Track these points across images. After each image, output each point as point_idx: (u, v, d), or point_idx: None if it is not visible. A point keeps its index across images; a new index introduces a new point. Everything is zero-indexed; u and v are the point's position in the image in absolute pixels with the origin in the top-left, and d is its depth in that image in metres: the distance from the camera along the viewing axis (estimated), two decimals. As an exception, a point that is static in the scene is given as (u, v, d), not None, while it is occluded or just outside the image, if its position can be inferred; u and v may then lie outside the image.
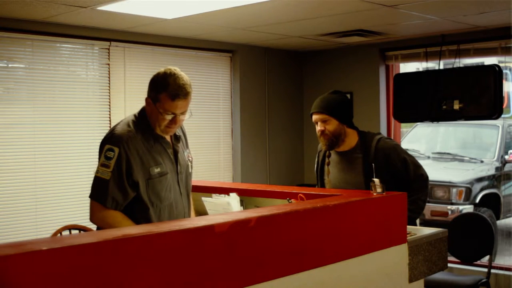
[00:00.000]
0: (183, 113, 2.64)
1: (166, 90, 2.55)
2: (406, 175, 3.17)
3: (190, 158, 2.87)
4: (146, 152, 2.58)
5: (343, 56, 5.96)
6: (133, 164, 2.53)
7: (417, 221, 3.45)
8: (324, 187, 3.39)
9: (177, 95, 2.56)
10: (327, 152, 3.34)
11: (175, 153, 2.74)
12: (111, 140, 2.55)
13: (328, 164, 3.35)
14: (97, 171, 2.54)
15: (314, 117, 3.25)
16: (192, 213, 3.03)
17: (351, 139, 3.26)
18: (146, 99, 2.62)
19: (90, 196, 2.56)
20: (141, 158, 2.56)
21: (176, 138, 2.79)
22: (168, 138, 2.72)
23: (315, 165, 3.49)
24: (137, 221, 2.56)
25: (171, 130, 2.65)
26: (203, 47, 5.45)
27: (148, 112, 2.64)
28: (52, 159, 4.48)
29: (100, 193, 2.51)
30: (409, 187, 3.12)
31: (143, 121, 2.64)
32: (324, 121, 3.20)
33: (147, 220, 2.59)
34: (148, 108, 2.63)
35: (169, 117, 2.58)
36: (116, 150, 2.50)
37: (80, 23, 4.46)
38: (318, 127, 3.23)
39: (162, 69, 2.63)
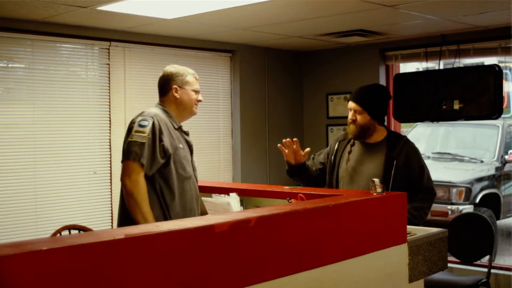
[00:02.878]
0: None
1: (189, 73, 3.09)
2: (419, 183, 3.26)
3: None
4: (170, 130, 2.96)
5: (343, 56, 5.96)
6: (165, 134, 2.87)
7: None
8: (336, 175, 3.39)
9: (195, 75, 3.12)
10: (352, 141, 3.40)
11: (188, 142, 3.12)
12: (142, 115, 2.91)
13: (350, 152, 3.39)
14: (131, 137, 2.80)
15: (350, 104, 3.35)
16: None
17: (379, 135, 3.35)
18: (174, 88, 3.04)
19: (125, 158, 2.79)
20: (168, 132, 2.92)
21: (186, 133, 3.15)
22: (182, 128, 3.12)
23: (332, 152, 3.46)
24: (165, 192, 2.87)
25: (197, 106, 3.15)
26: (203, 47, 5.45)
27: (178, 99, 3.04)
28: (52, 159, 4.48)
29: (138, 153, 2.76)
30: (415, 195, 3.19)
31: (165, 110, 3.04)
32: (357, 112, 3.29)
33: (172, 190, 2.88)
34: (177, 95, 3.04)
35: (198, 93, 3.10)
36: (150, 120, 2.85)
37: (80, 23, 4.46)
38: (350, 116, 3.33)
39: (166, 69, 3.13)
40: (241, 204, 3.11)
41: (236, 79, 5.76)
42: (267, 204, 2.98)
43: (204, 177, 5.47)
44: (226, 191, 3.15)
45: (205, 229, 1.86)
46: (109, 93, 4.79)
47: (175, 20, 4.39)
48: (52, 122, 4.49)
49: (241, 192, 3.13)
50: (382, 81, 5.74)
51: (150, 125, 2.83)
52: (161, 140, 2.84)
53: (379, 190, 2.65)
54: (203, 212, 3.16)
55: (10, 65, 4.35)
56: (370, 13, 4.22)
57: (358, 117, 3.29)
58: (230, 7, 3.98)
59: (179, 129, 3.07)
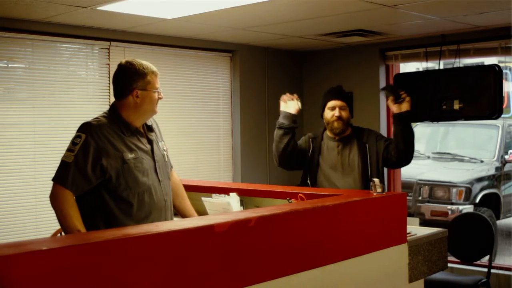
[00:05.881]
0: None
1: (149, 71, 2.75)
2: (385, 142, 3.59)
3: (165, 148, 2.93)
4: (119, 140, 2.68)
5: (343, 56, 5.96)
6: (103, 150, 2.61)
7: (417, 221, 3.45)
8: (316, 170, 3.63)
9: (156, 71, 2.79)
10: (323, 138, 3.70)
11: (150, 142, 2.82)
12: (80, 128, 2.68)
13: (327, 148, 3.67)
14: (63, 156, 2.63)
15: (334, 102, 3.65)
16: (193, 212, 3.03)
17: (348, 130, 3.69)
18: (134, 92, 2.72)
19: (52, 179, 2.61)
20: (113, 144, 2.65)
21: (150, 129, 2.87)
22: (141, 129, 2.80)
23: (309, 150, 3.71)
24: (119, 205, 2.63)
25: (157, 106, 2.83)
26: (203, 47, 5.44)
27: (138, 104, 2.72)
28: (52, 159, 4.46)
29: (61, 175, 2.59)
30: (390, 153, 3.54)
31: (115, 115, 2.74)
32: (342, 108, 3.62)
33: (129, 204, 2.64)
34: (138, 100, 2.72)
35: (157, 94, 2.79)
36: (83, 136, 2.62)
37: (80, 23, 4.46)
38: (336, 113, 3.61)
39: (122, 62, 2.80)
40: (241, 204, 3.11)
41: (236, 79, 5.76)
42: (267, 204, 2.98)
43: (204, 177, 5.48)
44: (226, 191, 3.15)
45: (205, 229, 1.86)
46: (109, 93, 4.79)
47: (175, 20, 4.39)
48: (52, 122, 4.49)
49: (241, 192, 3.13)
50: (382, 81, 5.73)
51: (81, 143, 2.59)
52: (99, 159, 2.58)
53: (379, 190, 2.65)
54: (203, 213, 3.16)
55: (10, 65, 4.35)
56: (370, 13, 4.22)
57: (343, 113, 3.62)
58: (230, 7, 3.98)
59: (136, 131, 2.76)
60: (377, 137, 3.64)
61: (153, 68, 2.78)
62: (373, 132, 3.70)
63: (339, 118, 3.60)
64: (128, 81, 2.73)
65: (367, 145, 3.57)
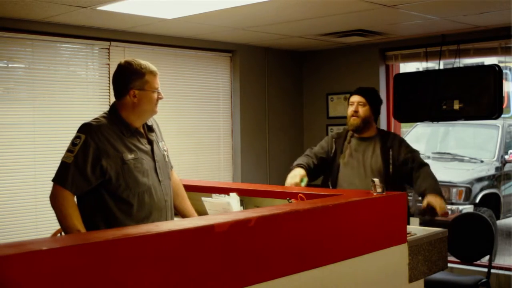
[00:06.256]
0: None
1: (147, 71, 2.73)
2: (416, 161, 3.56)
3: (165, 148, 2.93)
4: (118, 141, 2.67)
5: (343, 56, 5.96)
6: (103, 150, 2.61)
7: (417, 221, 3.46)
8: (337, 171, 3.59)
9: (155, 71, 2.76)
10: (348, 138, 3.66)
11: (150, 142, 2.81)
12: (79, 129, 2.67)
13: (349, 142, 3.66)
14: (63, 157, 2.63)
15: (354, 98, 3.64)
16: (193, 212, 3.03)
17: (372, 131, 3.67)
18: (130, 93, 2.70)
19: (52, 179, 2.61)
20: (112, 145, 2.64)
21: (150, 129, 2.86)
22: (141, 129, 2.79)
23: (331, 150, 3.67)
24: (119, 205, 2.63)
25: (157, 106, 2.81)
26: (203, 47, 5.45)
27: (136, 104, 2.71)
28: (52, 160, 4.46)
29: (61, 175, 2.58)
30: (419, 170, 3.51)
31: (114, 115, 2.74)
32: (360, 104, 3.60)
33: (129, 204, 2.64)
34: (135, 100, 2.71)
35: (156, 94, 2.76)
36: (83, 137, 2.61)
37: (80, 23, 4.46)
38: (353, 108, 3.61)
39: (121, 62, 2.78)
40: (241, 204, 3.11)
41: (236, 79, 5.76)
42: (267, 204, 2.98)
43: (204, 177, 5.48)
44: (226, 191, 3.15)
45: (205, 229, 1.86)
46: (109, 93, 4.79)
47: (175, 20, 4.39)
48: (52, 122, 4.49)
49: (241, 192, 3.13)
50: (382, 81, 5.74)
51: (81, 143, 2.59)
52: (98, 160, 2.58)
53: (379, 190, 2.65)
54: (203, 213, 3.16)
55: (10, 65, 4.35)
56: (370, 13, 4.22)
57: (361, 110, 3.59)
58: (230, 7, 3.98)
59: (136, 132, 2.76)
60: (401, 143, 3.62)
61: (152, 68, 2.75)
62: (397, 137, 3.69)
63: (356, 113, 3.59)
64: (126, 81, 2.72)
65: (390, 150, 3.55)
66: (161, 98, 2.79)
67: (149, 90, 2.72)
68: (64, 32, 4.50)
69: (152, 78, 2.73)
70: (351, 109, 3.62)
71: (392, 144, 3.58)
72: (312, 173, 3.57)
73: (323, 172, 3.68)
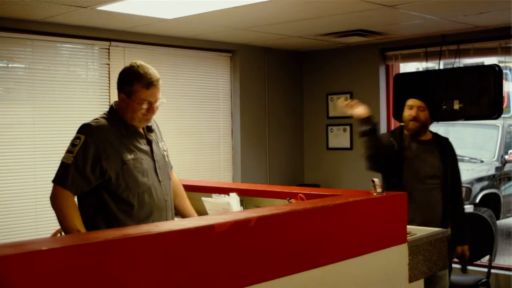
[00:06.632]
0: (156, 100, 2.72)
1: (139, 81, 2.67)
2: (456, 175, 3.66)
3: (165, 149, 2.92)
4: (118, 141, 2.67)
5: (343, 56, 5.96)
6: (103, 151, 2.61)
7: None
8: (402, 161, 3.57)
9: (150, 83, 2.67)
10: (408, 142, 3.61)
11: (149, 142, 2.81)
12: (79, 130, 2.67)
13: (410, 146, 3.63)
14: (63, 157, 2.63)
15: (412, 101, 3.59)
16: (193, 212, 3.03)
17: (428, 134, 3.67)
18: (120, 96, 2.73)
19: (52, 180, 2.62)
20: (112, 146, 2.64)
21: (149, 129, 2.84)
22: (140, 129, 2.79)
23: (395, 141, 3.60)
24: (120, 205, 2.63)
25: (148, 119, 2.75)
26: (203, 47, 5.45)
27: (122, 107, 2.73)
28: (52, 160, 4.46)
29: (61, 176, 2.59)
30: (455, 194, 3.61)
31: (114, 116, 2.75)
32: (420, 108, 3.56)
33: (129, 204, 2.64)
34: (123, 104, 2.72)
35: (145, 106, 2.68)
36: (82, 137, 2.61)
37: (80, 23, 4.46)
38: (412, 112, 3.56)
39: (127, 64, 2.76)
40: (241, 204, 3.11)
41: (236, 79, 5.76)
42: (267, 204, 2.98)
43: (204, 177, 5.48)
44: (226, 191, 3.15)
45: (205, 229, 1.86)
46: (109, 93, 4.79)
47: (175, 20, 4.39)
48: (52, 122, 4.49)
49: (241, 192, 3.13)
50: (382, 81, 5.74)
51: (80, 144, 2.59)
52: (98, 160, 2.58)
53: (379, 190, 2.65)
54: (203, 213, 3.16)
55: (10, 65, 4.35)
56: (370, 13, 4.22)
57: (421, 114, 3.56)
58: (230, 7, 3.98)
59: (136, 132, 2.75)
60: (452, 150, 3.69)
61: (148, 80, 2.66)
62: (450, 143, 3.72)
63: (415, 118, 3.55)
64: (120, 83, 2.76)
65: (447, 155, 3.60)
66: (151, 111, 2.70)
67: (133, 100, 2.67)
68: (64, 32, 4.50)
69: (140, 89, 2.65)
70: (409, 113, 3.57)
71: (448, 149, 3.65)
72: (381, 148, 3.37)
73: (388, 157, 3.47)
